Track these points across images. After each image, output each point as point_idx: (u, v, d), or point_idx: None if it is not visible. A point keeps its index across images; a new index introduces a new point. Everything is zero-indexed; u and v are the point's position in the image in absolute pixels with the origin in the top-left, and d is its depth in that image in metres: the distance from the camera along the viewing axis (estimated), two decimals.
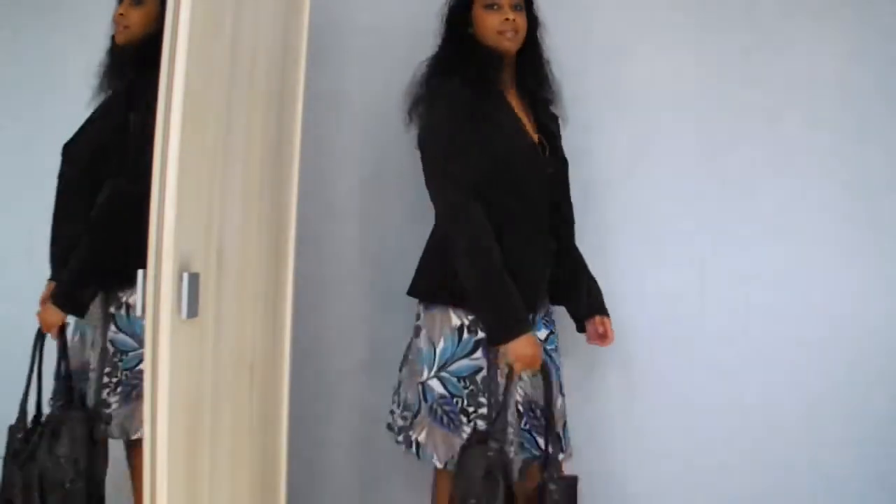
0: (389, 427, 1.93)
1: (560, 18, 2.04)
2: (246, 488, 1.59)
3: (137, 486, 1.90)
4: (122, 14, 1.88)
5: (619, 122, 2.27)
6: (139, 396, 1.80)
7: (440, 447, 1.76)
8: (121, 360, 1.87)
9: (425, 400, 1.78)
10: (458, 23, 1.89)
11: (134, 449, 1.91)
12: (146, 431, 1.25)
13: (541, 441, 1.78)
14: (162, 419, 1.23)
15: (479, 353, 1.76)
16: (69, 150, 1.96)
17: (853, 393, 2.26)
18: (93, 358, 1.91)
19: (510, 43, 1.84)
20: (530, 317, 1.76)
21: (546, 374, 1.74)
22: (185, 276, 1.25)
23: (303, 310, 2.43)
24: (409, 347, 1.92)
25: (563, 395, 1.89)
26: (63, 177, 1.95)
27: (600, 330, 1.98)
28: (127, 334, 1.88)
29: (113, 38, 1.93)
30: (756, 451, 2.29)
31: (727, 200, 2.31)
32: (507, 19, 1.81)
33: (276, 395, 1.74)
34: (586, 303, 1.98)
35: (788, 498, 2.28)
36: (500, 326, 1.69)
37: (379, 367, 2.45)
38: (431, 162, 1.78)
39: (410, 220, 2.45)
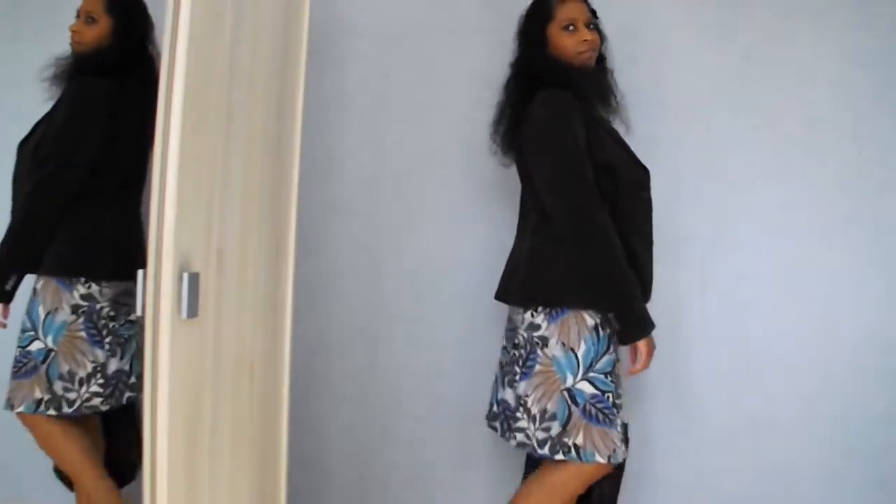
0: (521, 445, 1.83)
1: None
2: (246, 488, 1.59)
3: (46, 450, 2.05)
4: (75, 31, 2.05)
5: (617, 123, 2.26)
6: (25, 374, 1.98)
7: (599, 444, 1.76)
8: (20, 339, 2.00)
9: (576, 404, 1.76)
10: (535, 44, 1.92)
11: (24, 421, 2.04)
12: (146, 431, 1.25)
13: None
14: (162, 419, 1.23)
15: (612, 348, 1.81)
16: (21, 148, 2.10)
17: (853, 393, 2.26)
18: None
19: (590, 60, 1.91)
20: None
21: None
22: (185, 276, 1.25)
23: (303, 310, 2.44)
24: (524, 361, 1.83)
25: None
26: (13, 173, 2.11)
27: None
28: (27, 316, 2.01)
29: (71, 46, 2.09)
30: (756, 451, 2.29)
31: (727, 200, 2.31)
32: (585, 40, 1.88)
33: (276, 395, 1.74)
34: None
35: (788, 498, 2.28)
36: (638, 327, 1.75)
37: (379, 367, 2.45)
38: (559, 160, 1.77)
39: (410, 219, 2.45)
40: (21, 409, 1.96)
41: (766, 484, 2.29)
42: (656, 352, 2.30)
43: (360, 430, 2.47)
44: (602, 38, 1.97)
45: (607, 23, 2.14)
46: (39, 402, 1.96)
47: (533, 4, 1.97)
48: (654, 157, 2.30)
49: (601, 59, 1.97)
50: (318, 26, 2.44)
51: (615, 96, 1.98)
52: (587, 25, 1.91)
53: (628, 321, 1.74)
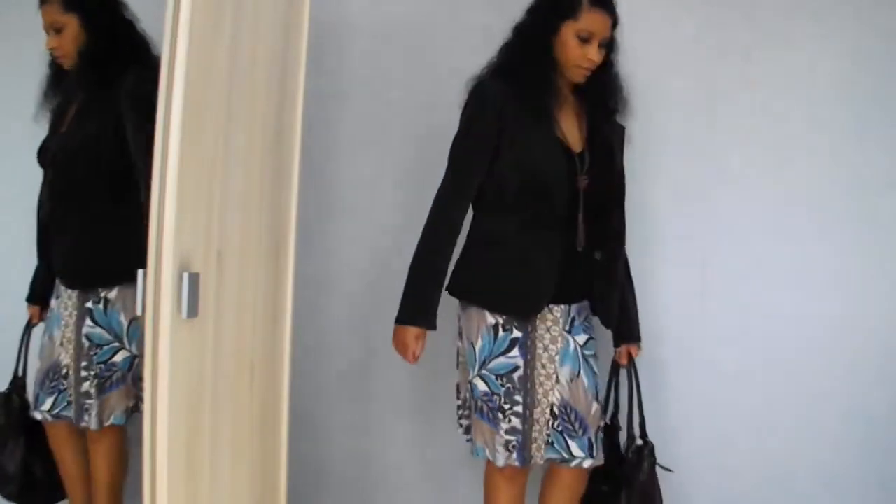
0: (466, 430, 1.98)
1: None
2: (246, 488, 1.59)
3: (99, 475, 2.06)
4: (53, 46, 1.99)
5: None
6: (112, 387, 1.97)
7: (488, 441, 1.82)
8: (95, 354, 1.96)
9: (473, 397, 1.84)
10: (543, 27, 1.83)
11: (96, 435, 2.03)
12: (146, 431, 1.25)
13: (571, 445, 1.81)
14: (162, 419, 1.23)
15: (515, 352, 1.81)
16: (54, 157, 2.03)
17: (853, 393, 2.26)
18: (64, 355, 2.00)
19: (582, 77, 1.84)
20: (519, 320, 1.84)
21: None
22: (185, 276, 1.25)
23: (303, 310, 2.44)
24: (458, 349, 1.97)
25: (598, 401, 1.89)
26: (50, 183, 2.04)
27: (622, 362, 2.06)
28: (103, 328, 1.97)
29: (58, 64, 2.03)
30: (756, 451, 2.29)
31: (727, 200, 2.31)
32: (590, 59, 1.80)
33: (276, 394, 1.74)
34: (616, 329, 2.00)
35: (788, 498, 2.28)
36: (403, 307, 1.84)
37: (378, 367, 2.45)
38: (451, 152, 1.88)
39: (410, 219, 2.45)
40: (112, 421, 1.97)
41: (766, 484, 2.29)
42: (656, 351, 2.30)
43: (360, 430, 2.47)
44: (613, 46, 1.88)
45: None
46: (127, 409, 2.00)
47: None
48: (654, 156, 2.30)
49: (607, 65, 1.88)
50: (318, 25, 2.44)
51: (616, 97, 1.90)
52: (602, 44, 1.81)
53: (401, 304, 1.84)
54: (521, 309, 1.82)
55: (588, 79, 1.85)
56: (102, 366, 1.96)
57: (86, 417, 1.96)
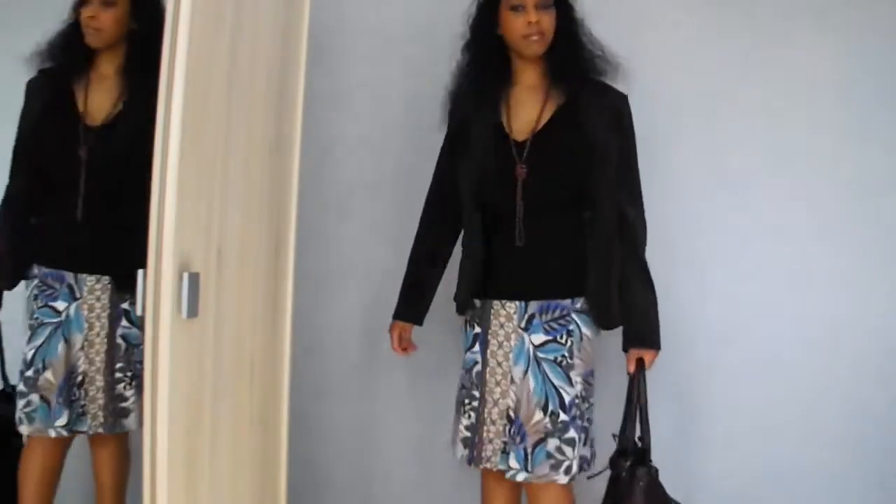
0: None
1: None
2: (246, 488, 1.59)
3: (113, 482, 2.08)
4: (92, 17, 1.87)
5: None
6: None
7: (453, 433, 1.90)
8: (134, 354, 1.97)
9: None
10: (485, 20, 1.81)
11: (103, 439, 2.04)
12: (146, 431, 1.25)
13: (510, 454, 1.76)
14: (162, 418, 1.23)
15: (476, 347, 1.86)
16: (98, 149, 1.91)
17: (853, 393, 2.26)
18: (83, 360, 1.94)
19: (537, 46, 1.77)
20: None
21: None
22: (185, 276, 1.25)
23: (303, 309, 2.44)
24: None
25: (545, 411, 1.74)
26: (87, 177, 1.90)
27: (629, 369, 1.86)
28: (140, 328, 1.96)
29: (80, 36, 1.91)
30: (756, 450, 2.29)
31: (727, 200, 2.31)
32: (530, 22, 1.72)
33: (276, 394, 1.74)
34: (623, 331, 1.85)
35: (788, 498, 2.28)
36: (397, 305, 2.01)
37: (378, 367, 2.45)
38: None
39: (410, 219, 2.45)
40: None
41: (766, 485, 2.29)
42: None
43: (360, 430, 2.47)
44: (568, 12, 1.81)
45: (607, 22, 2.13)
46: None
47: None
48: (653, 156, 2.29)
49: (568, 35, 1.80)
50: (318, 26, 2.44)
51: (592, 68, 1.83)
52: (538, 6, 1.73)
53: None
54: (458, 307, 1.91)
55: (549, 49, 1.79)
56: (139, 364, 1.95)
57: (122, 421, 1.97)
